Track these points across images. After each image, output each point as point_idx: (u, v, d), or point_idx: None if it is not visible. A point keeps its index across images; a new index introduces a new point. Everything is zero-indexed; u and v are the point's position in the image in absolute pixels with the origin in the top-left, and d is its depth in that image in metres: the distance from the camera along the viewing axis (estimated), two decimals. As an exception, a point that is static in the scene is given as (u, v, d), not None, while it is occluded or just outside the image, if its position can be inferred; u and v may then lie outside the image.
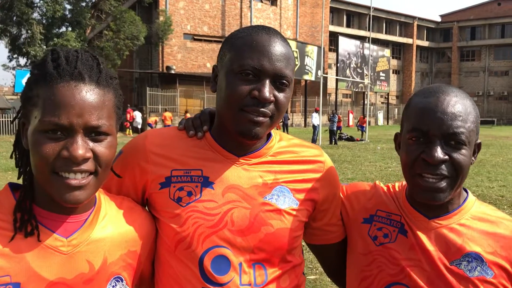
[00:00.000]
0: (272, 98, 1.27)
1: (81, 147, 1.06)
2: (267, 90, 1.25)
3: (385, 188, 1.52)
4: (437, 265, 1.33)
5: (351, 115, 43.53)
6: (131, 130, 29.84)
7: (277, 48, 1.28)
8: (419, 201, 1.36)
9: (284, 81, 1.29)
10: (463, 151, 1.28)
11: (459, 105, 1.28)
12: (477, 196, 9.45)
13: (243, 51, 1.27)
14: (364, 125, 28.56)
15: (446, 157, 1.27)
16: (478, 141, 1.37)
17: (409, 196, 1.42)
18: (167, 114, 29.94)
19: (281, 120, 28.03)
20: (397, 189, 1.50)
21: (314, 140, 23.62)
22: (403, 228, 1.41)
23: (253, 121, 1.27)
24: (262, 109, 1.26)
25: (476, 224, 1.36)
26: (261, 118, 1.27)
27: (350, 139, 27.10)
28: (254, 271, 1.32)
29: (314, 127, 24.42)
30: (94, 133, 1.09)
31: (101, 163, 1.11)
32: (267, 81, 1.26)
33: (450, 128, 1.26)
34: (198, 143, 1.39)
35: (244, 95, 1.26)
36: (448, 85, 1.37)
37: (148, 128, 25.49)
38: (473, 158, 1.35)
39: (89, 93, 1.09)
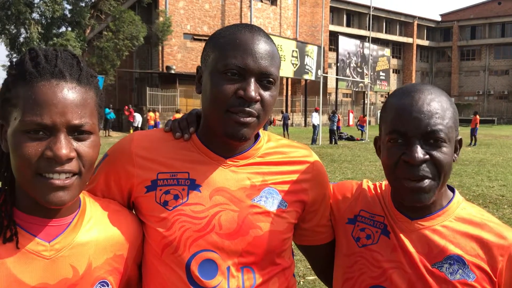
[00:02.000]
0: (258, 97, 1.24)
1: (65, 146, 1.03)
2: (253, 89, 1.22)
3: (372, 188, 1.50)
4: (418, 268, 1.31)
5: (351, 115, 43.47)
6: (132, 130, 29.70)
7: (261, 46, 1.25)
8: (404, 204, 1.33)
9: (270, 79, 1.26)
10: (444, 148, 1.25)
11: (435, 103, 1.26)
12: (477, 195, 9.50)
13: (227, 50, 1.24)
14: (364, 125, 28.53)
15: (427, 156, 1.24)
16: (459, 137, 1.35)
17: (393, 197, 1.40)
18: (151, 115, 28.87)
19: (281, 120, 28.09)
20: (383, 188, 1.47)
21: (314, 140, 23.61)
22: (385, 229, 1.38)
23: (239, 122, 1.23)
24: (248, 109, 1.23)
25: (460, 226, 1.33)
26: (248, 119, 1.24)
27: (350, 138, 27.09)
28: (243, 274, 1.29)
29: (314, 126, 24.38)
30: (77, 132, 1.06)
31: (84, 163, 1.08)
32: (252, 80, 1.23)
33: (428, 127, 1.23)
34: (185, 145, 1.35)
35: (229, 95, 1.22)
36: (423, 83, 1.36)
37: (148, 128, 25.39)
38: (455, 155, 1.33)
39: (71, 91, 1.06)
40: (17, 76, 1.06)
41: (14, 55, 31.20)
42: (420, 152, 1.23)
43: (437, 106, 1.26)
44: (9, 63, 1.08)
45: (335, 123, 24.09)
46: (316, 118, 24.32)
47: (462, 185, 10.92)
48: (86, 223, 1.19)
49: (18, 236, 1.07)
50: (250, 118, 1.24)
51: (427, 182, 1.25)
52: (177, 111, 28.78)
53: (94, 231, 1.20)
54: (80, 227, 1.18)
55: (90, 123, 1.09)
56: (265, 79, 1.25)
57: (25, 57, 1.08)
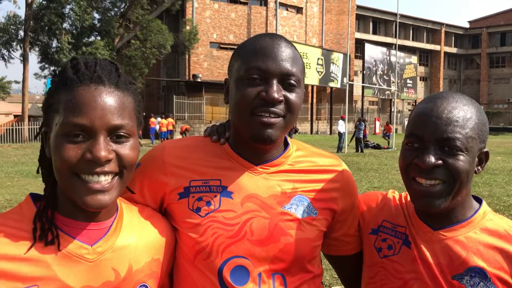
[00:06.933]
0: (281, 98, 1.26)
1: (104, 148, 1.07)
2: (275, 90, 1.25)
3: (397, 198, 1.49)
4: (438, 279, 1.29)
5: (377, 123, 43.03)
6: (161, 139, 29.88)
7: (281, 49, 1.29)
8: (420, 209, 1.32)
9: (292, 80, 1.28)
10: (460, 157, 1.23)
11: (457, 111, 1.25)
12: (508, 206, 9.27)
13: (248, 57, 1.28)
14: (390, 133, 28.16)
15: (440, 161, 1.23)
16: (485, 149, 1.32)
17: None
18: (164, 121, 29.08)
19: (356, 128, 27.61)
20: (408, 198, 1.46)
21: (340, 148, 23.44)
22: (407, 240, 1.37)
23: (264, 123, 1.26)
24: (272, 108, 1.26)
25: (485, 237, 1.30)
26: (272, 120, 1.26)
27: (377, 147, 26.77)
28: (274, 281, 1.30)
29: (340, 134, 24.22)
30: (115, 135, 1.10)
31: (125, 164, 1.12)
32: (274, 81, 1.26)
33: (444, 133, 1.23)
34: (216, 152, 1.39)
35: (252, 98, 1.26)
36: (453, 92, 1.34)
37: (179, 136, 25.60)
38: (479, 168, 1.31)
39: (109, 95, 1.10)
40: (59, 83, 1.11)
41: (46, 65, 31.97)
42: (432, 157, 1.23)
43: (459, 114, 1.25)
44: (52, 73, 1.15)
45: (361, 131, 23.87)
46: (342, 126, 24.15)
47: (492, 195, 10.68)
48: (124, 227, 1.23)
49: (59, 239, 1.11)
50: (275, 119, 1.27)
51: (439, 186, 1.24)
52: (167, 116, 29.05)
53: (133, 235, 1.23)
54: (120, 231, 1.21)
55: (130, 125, 1.12)
56: (287, 80, 1.28)
57: (67, 65, 1.13)
